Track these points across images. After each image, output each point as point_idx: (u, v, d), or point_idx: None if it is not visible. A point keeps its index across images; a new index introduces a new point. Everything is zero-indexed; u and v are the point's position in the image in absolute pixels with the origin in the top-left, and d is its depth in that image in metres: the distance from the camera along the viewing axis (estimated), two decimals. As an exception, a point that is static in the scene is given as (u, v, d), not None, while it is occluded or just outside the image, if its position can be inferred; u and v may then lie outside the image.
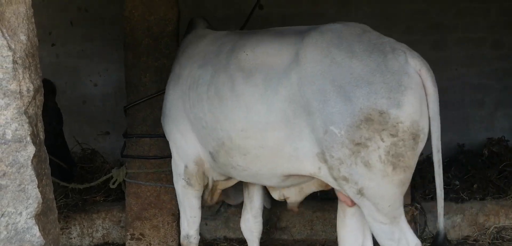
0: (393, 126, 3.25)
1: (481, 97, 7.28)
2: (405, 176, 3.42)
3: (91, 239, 5.73)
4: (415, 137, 3.30)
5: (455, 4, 7.17)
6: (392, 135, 3.26)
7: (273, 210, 5.48)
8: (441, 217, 3.69)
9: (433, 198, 5.87)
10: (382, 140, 3.27)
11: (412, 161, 3.37)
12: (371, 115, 3.25)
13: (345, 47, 3.39)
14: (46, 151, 2.30)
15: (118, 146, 5.38)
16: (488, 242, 5.47)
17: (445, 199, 5.77)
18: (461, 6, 7.14)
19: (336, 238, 5.75)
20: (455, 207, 5.71)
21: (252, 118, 3.58)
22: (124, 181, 5.24)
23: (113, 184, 5.29)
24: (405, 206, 5.46)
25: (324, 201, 5.99)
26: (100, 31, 7.14)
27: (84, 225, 5.72)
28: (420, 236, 5.58)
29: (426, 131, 3.36)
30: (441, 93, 7.64)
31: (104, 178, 5.46)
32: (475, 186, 6.01)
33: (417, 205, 5.61)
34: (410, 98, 3.26)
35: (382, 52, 3.34)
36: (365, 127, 3.27)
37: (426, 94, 3.34)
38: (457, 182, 6.05)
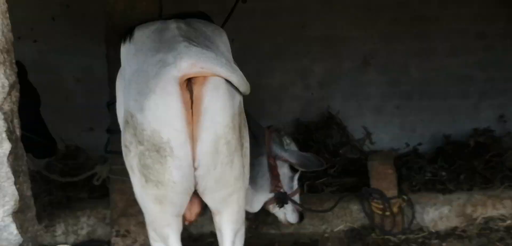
0: (140, 132, 2.96)
1: (466, 88, 7.30)
2: (160, 193, 3.03)
3: (76, 236, 5.70)
4: (158, 150, 2.92)
5: (439, -5, 7.19)
6: (140, 142, 2.97)
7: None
8: None
9: (421, 189, 5.87)
10: (136, 146, 3.01)
11: (162, 176, 2.96)
12: (127, 117, 3.04)
13: (141, 44, 3.23)
14: (22, 147, 2.28)
15: (102, 142, 5.31)
16: (476, 233, 5.47)
17: (432, 190, 5.84)
18: (445, -3, 7.16)
19: (324, 231, 5.78)
20: (443, 198, 5.72)
21: None
22: (108, 177, 5.19)
23: (97, 180, 5.24)
24: (392, 197, 5.49)
25: (311, 194, 5.98)
26: (83, 27, 7.08)
27: (68, 222, 5.68)
28: (408, 228, 5.57)
29: (177, 145, 2.91)
30: (425, 84, 7.58)
31: (88, 174, 5.40)
32: (462, 176, 6.02)
33: (405, 196, 5.60)
34: (151, 104, 2.90)
35: (153, 51, 3.08)
36: (127, 129, 3.05)
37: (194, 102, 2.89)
38: (444, 173, 6.05)
